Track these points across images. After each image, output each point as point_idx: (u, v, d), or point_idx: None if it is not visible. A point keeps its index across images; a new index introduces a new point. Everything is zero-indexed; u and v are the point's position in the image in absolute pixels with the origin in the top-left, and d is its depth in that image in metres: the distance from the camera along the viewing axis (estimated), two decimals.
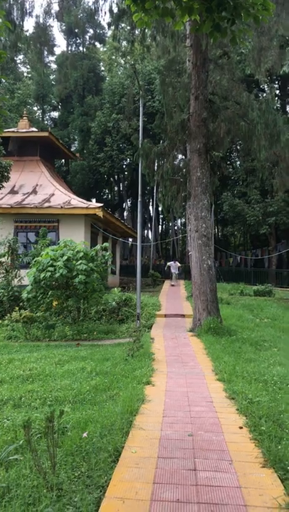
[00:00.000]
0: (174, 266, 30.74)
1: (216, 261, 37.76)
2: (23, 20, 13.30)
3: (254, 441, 4.87)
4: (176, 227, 50.55)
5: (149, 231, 48.30)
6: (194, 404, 6.46)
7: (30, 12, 13.09)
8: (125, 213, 49.42)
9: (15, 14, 12.87)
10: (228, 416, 5.88)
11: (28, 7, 13.16)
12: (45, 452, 4.57)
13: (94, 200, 42.10)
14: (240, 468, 4.15)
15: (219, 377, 8.16)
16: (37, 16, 16.48)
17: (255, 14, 4.77)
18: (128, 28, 16.49)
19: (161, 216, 52.75)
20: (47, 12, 14.85)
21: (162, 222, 56.08)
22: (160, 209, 48.04)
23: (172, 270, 30.58)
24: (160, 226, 54.85)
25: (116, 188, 50.95)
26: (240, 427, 5.38)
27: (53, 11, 15.76)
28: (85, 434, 5.16)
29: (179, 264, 31.80)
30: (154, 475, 3.98)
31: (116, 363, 9.43)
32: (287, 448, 4.44)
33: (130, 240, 37.88)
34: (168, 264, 32.22)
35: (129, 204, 49.17)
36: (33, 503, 3.81)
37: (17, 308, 15.01)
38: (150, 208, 47.37)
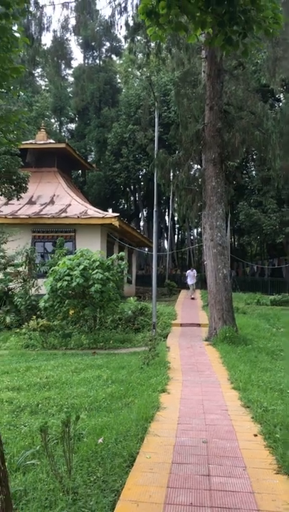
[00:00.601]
0: (191, 275, 28.09)
1: (233, 270, 37.60)
2: (40, 35, 13.67)
3: (268, 448, 4.89)
4: (192, 237, 50.54)
5: (165, 241, 48.37)
6: (209, 412, 6.49)
7: (47, 27, 13.45)
8: (141, 223, 49.61)
9: (33, 29, 13.23)
10: (243, 424, 5.90)
11: (45, 22, 13.54)
12: (62, 457, 4.65)
13: (110, 210, 42.41)
14: (254, 474, 4.18)
15: (235, 385, 8.17)
16: (54, 31, 16.88)
17: (266, 27, 4.87)
18: (144, 40, 16.75)
19: (177, 226, 52.81)
20: (64, 26, 15.19)
21: (178, 232, 56.08)
22: (176, 219, 48.10)
23: (189, 281, 27.91)
24: (176, 236, 54.85)
25: (132, 198, 51.23)
26: (255, 435, 5.40)
27: (70, 26, 16.19)
28: (100, 440, 5.24)
29: (196, 274, 29.45)
30: (168, 479, 4.04)
31: (131, 371, 9.50)
32: None
33: (146, 249, 37.98)
34: (186, 274, 29.81)
35: (145, 214, 49.36)
36: (49, 506, 3.89)
37: (34, 316, 15.19)
38: (166, 217, 47.49)
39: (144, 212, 49.26)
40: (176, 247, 47.98)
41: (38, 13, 13.31)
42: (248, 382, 8.20)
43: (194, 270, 29.51)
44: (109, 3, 16.17)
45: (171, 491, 3.79)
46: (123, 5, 14.14)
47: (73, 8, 14.77)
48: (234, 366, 9.77)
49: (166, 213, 46.55)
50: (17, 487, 4.36)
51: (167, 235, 44.39)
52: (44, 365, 10.78)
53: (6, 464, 5.00)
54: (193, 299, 26.18)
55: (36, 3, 13.32)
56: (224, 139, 14.12)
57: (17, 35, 6.08)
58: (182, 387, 8.23)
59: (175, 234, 53.26)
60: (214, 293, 13.57)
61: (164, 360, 10.60)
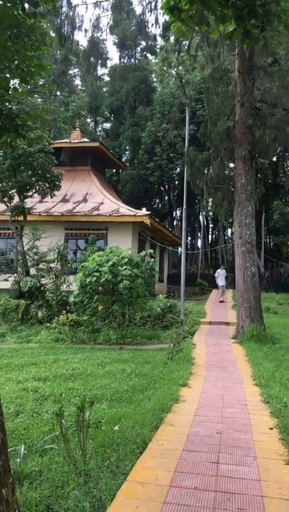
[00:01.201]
0: (221, 274, 25.18)
1: (267, 271, 37.17)
2: (73, 35, 13.91)
3: (282, 441, 4.89)
4: (225, 237, 50.15)
5: (199, 240, 48.16)
6: (228, 406, 6.51)
7: (79, 26, 13.70)
8: (175, 222, 49.59)
9: (65, 29, 13.49)
10: (261, 418, 5.90)
11: (77, 21, 13.78)
12: (79, 444, 4.79)
13: (144, 209, 42.66)
14: (263, 464, 4.21)
15: (257, 382, 8.14)
16: (86, 30, 17.38)
17: (286, 21, 4.87)
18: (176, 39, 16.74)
19: (211, 225, 52.50)
20: (95, 26, 15.43)
21: (212, 232, 55.73)
22: (210, 218, 47.84)
23: (219, 282, 24.94)
24: (210, 235, 54.56)
25: (166, 197, 51.28)
26: (271, 428, 5.40)
27: (101, 25, 16.41)
28: (116, 428, 5.36)
29: (226, 273, 26.17)
30: (177, 465, 4.12)
31: (155, 366, 9.60)
32: None
33: (179, 248, 37.97)
34: (216, 273, 26.24)
35: (178, 213, 49.31)
36: (61, 486, 4.03)
37: (64, 311, 15.48)
38: (200, 217, 47.30)
39: (178, 211, 49.19)
40: (209, 247, 47.70)
41: (71, 13, 13.59)
42: (271, 378, 8.16)
43: (224, 270, 26.27)
44: (140, 1, 16.32)
45: (178, 475, 3.87)
46: (153, 3, 14.25)
47: (105, 7, 14.98)
48: (259, 363, 9.72)
49: (200, 212, 46.34)
50: (33, 468, 4.54)
51: (200, 234, 44.16)
52: (71, 358, 11.03)
53: (27, 447, 5.22)
54: (222, 301, 23.79)
55: (69, 3, 13.63)
56: (255, 136, 14.01)
57: (52, 34, 6.25)
58: (204, 381, 8.26)
59: (209, 233, 52.98)
60: (242, 291, 13.50)
61: (189, 356, 10.64)
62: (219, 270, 25.93)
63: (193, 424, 5.52)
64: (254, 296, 13.40)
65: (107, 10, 15.15)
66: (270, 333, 13.48)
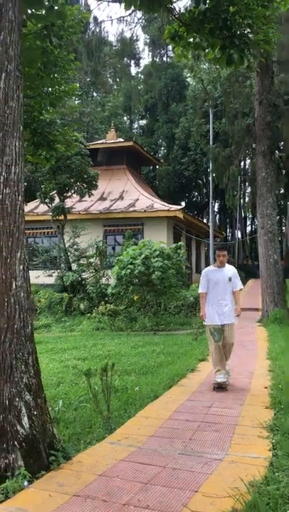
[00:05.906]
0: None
1: None
2: (100, 49, 15.11)
3: (270, 395, 5.92)
4: None
5: (238, 231, 48.66)
6: (237, 374, 7.56)
7: (105, 41, 14.85)
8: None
9: (93, 44, 14.70)
10: (261, 382, 6.92)
11: (103, 36, 14.95)
12: (104, 397, 6.00)
13: (183, 203, 43.60)
14: (247, 407, 5.29)
15: (269, 356, 9.12)
16: (111, 44, 18.20)
17: (260, 48, 5.90)
18: None
19: (250, 216, 52.81)
20: (119, 40, 16.52)
21: (252, 222, 55.95)
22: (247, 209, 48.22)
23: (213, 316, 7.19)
24: (250, 226, 54.89)
25: (204, 190, 51.99)
26: (266, 387, 6.42)
27: (126, 36, 17.29)
28: (137, 388, 6.56)
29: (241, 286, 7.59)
30: (177, 408, 5.28)
31: (181, 346, 10.75)
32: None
33: (218, 239, 38.68)
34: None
35: (217, 205, 49.92)
36: (89, 426, 5.27)
37: (103, 302, 16.81)
38: (238, 208, 47.80)
39: (216, 203, 49.79)
40: (247, 237, 48.13)
41: (98, 29, 14.82)
42: (282, 353, 9.11)
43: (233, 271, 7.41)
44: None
45: (176, 413, 5.02)
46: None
47: (128, 21, 16.09)
48: (276, 342, 10.65)
49: (238, 204, 46.82)
50: (69, 417, 5.81)
51: (238, 225, 44.69)
52: (108, 343, 12.35)
53: (65, 406, 6.48)
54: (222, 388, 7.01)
55: (95, 20, 14.85)
56: (274, 132, 14.78)
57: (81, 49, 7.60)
58: None
59: (247, 224, 53.36)
60: (266, 278, 14.39)
61: None
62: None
63: (200, 386, 6.63)
64: (277, 282, 14.27)
65: (131, 24, 16.25)
66: None
